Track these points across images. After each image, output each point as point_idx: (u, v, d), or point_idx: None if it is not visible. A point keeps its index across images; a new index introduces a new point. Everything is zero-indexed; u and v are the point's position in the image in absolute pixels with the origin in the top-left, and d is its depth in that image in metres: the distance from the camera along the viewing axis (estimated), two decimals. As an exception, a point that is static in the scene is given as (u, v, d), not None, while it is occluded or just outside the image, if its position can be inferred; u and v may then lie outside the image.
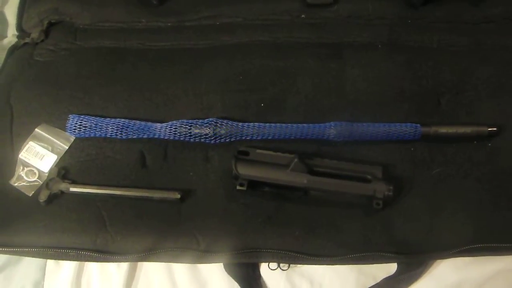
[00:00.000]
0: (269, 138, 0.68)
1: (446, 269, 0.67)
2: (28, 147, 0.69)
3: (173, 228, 0.64)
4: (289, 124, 0.68)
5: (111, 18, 0.80)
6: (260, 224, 0.64)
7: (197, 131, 0.67)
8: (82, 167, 0.68)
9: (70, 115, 0.70)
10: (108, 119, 0.69)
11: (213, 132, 0.67)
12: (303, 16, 0.79)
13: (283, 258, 0.63)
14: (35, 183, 0.67)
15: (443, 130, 0.67)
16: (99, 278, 0.68)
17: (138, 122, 0.69)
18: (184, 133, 0.67)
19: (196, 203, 0.65)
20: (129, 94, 0.72)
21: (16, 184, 0.67)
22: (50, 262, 0.69)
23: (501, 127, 0.68)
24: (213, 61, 0.75)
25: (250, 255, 0.63)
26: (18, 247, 0.63)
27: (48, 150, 0.69)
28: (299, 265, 0.67)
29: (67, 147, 0.69)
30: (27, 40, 0.79)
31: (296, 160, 0.64)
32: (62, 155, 0.69)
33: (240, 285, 0.66)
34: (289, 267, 0.67)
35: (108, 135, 0.68)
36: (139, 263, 0.69)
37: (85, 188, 0.66)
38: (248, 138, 0.68)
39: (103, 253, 0.63)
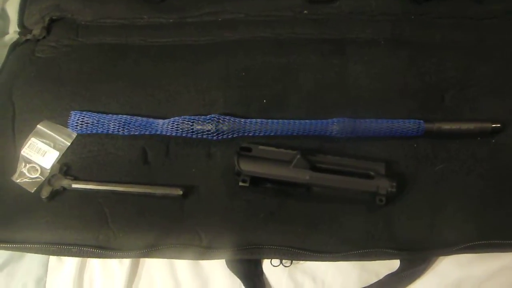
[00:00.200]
0: (272, 134, 0.68)
1: (449, 266, 0.66)
2: (30, 143, 0.69)
3: (175, 225, 0.64)
4: (291, 120, 0.68)
5: (113, 14, 0.79)
6: (262, 220, 0.64)
7: (199, 127, 0.67)
8: (84, 163, 0.68)
9: (72, 112, 0.70)
10: (110, 115, 0.69)
11: (215, 128, 0.67)
12: (305, 12, 0.79)
13: (286, 254, 0.63)
14: (37, 179, 0.67)
15: (447, 126, 0.67)
16: (101, 275, 0.68)
17: (140, 118, 0.69)
18: (186, 129, 0.67)
19: (198, 199, 0.65)
20: (131, 91, 0.72)
21: (18, 181, 0.67)
22: (53, 259, 0.69)
23: (505, 123, 0.68)
24: (215, 58, 0.75)
25: (252, 251, 0.63)
26: (20, 243, 0.63)
27: (50, 146, 0.69)
28: (301, 262, 0.67)
29: (69, 144, 0.69)
30: (28, 36, 0.78)
31: (298, 156, 0.64)
32: (64, 151, 0.69)
33: (242, 282, 0.66)
34: (291, 263, 0.67)
35: (110, 132, 0.68)
36: (141, 260, 0.69)
37: (87, 184, 0.66)
38: (250, 134, 0.68)
39: (105, 250, 0.63)
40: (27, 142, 0.69)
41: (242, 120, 0.68)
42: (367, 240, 0.63)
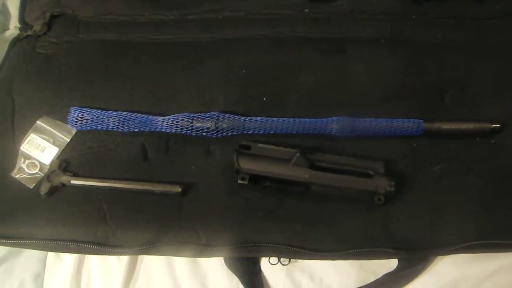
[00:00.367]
0: (271, 132, 0.68)
1: (447, 265, 0.66)
2: (30, 139, 0.69)
3: (173, 222, 0.64)
4: (291, 119, 0.68)
5: (114, 11, 0.79)
6: (261, 218, 0.64)
7: (199, 124, 0.67)
8: (83, 159, 0.68)
9: (71, 108, 0.70)
10: (110, 112, 0.69)
11: (215, 125, 0.67)
12: (306, 10, 0.79)
13: (284, 252, 0.63)
14: (36, 175, 0.67)
15: (446, 126, 0.67)
16: (99, 271, 0.69)
17: (139, 115, 0.69)
18: (186, 126, 0.67)
19: (197, 197, 0.65)
20: (131, 87, 0.72)
21: (17, 176, 0.67)
22: (51, 255, 0.69)
23: (505, 123, 0.68)
24: (215, 55, 0.75)
25: (250, 249, 0.63)
26: (18, 239, 0.63)
27: (50, 142, 0.69)
28: (299, 260, 0.67)
29: (68, 140, 0.69)
30: (29, 32, 0.78)
31: (298, 154, 0.64)
32: (63, 147, 0.69)
33: (240, 280, 0.66)
34: (289, 262, 0.67)
35: (109, 128, 0.68)
36: (140, 257, 0.69)
37: (86, 181, 0.66)
38: (250, 132, 0.68)
39: (103, 246, 0.63)
40: (26, 138, 0.69)
41: (242, 118, 0.68)
42: (365, 239, 0.63)
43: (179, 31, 0.78)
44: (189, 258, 0.67)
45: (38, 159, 0.68)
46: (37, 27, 0.78)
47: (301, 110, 0.70)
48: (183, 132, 0.68)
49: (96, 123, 0.68)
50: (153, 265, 0.69)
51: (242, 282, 0.66)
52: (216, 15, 0.79)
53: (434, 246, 0.63)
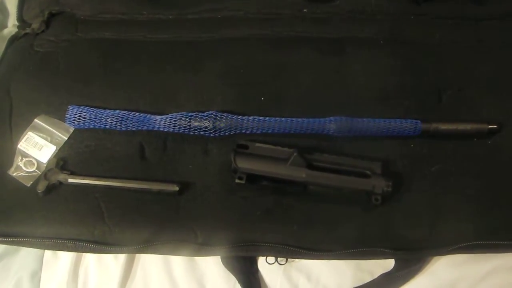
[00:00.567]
0: (269, 132, 0.68)
1: (443, 266, 0.66)
2: (27, 137, 0.69)
3: (171, 221, 0.64)
4: (289, 118, 0.68)
5: (112, 9, 0.79)
6: (258, 218, 0.64)
7: (196, 124, 0.67)
8: (81, 158, 0.68)
9: (69, 106, 0.70)
10: (108, 110, 0.69)
11: (213, 125, 0.67)
12: (305, 10, 0.79)
13: (281, 252, 0.63)
14: (34, 173, 0.67)
15: (443, 126, 0.67)
16: (96, 270, 0.68)
17: (137, 114, 0.69)
18: (184, 125, 0.67)
19: (195, 196, 0.65)
20: (129, 86, 0.72)
21: (14, 174, 0.67)
22: (48, 253, 0.69)
23: (502, 124, 0.68)
24: (214, 54, 0.75)
25: (247, 248, 0.63)
26: (15, 237, 0.63)
27: (47, 140, 0.69)
28: (296, 260, 0.67)
29: (66, 138, 0.69)
30: (27, 30, 0.78)
31: (295, 154, 0.64)
32: (61, 146, 0.69)
33: (237, 279, 0.66)
34: (286, 261, 0.67)
35: (107, 127, 0.68)
36: (137, 255, 0.69)
37: (84, 179, 0.66)
38: (247, 132, 0.68)
39: (100, 245, 0.63)
40: (24, 136, 0.69)
41: (240, 117, 0.68)
42: (362, 239, 0.63)
43: (178, 30, 0.78)
44: (186, 257, 0.67)
45: (36, 157, 0.68)
46: (35, 25, 0.78)
47: (299, 110, 0.70)
48: (181, 131, 0.68)
49: (94, 122, 0.68)
50: (150, 263, 0.69)
51: (239, 282, 0.66)
52: (215, 14, 0.79)
53: (431, 247, 0.63)
